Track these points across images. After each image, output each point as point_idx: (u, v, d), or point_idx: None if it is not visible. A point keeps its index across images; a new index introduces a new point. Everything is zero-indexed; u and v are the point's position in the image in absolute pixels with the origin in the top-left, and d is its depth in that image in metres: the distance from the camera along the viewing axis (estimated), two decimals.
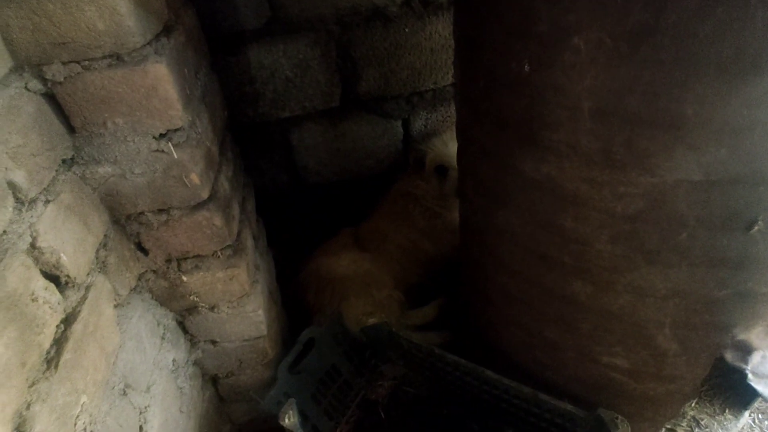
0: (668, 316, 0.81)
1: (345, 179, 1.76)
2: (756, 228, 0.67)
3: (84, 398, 0.66)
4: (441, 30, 1.54)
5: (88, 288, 0.72)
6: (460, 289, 1.32)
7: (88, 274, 0.72)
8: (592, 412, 0.96)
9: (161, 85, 0.69)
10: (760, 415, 1.21)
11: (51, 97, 0.68)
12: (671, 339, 0.84)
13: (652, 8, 0.57)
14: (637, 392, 0.96)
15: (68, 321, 0.67)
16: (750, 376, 0.81)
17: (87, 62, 0.66)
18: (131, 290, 0.85)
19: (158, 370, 0.89)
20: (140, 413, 0.81)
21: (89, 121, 0.71)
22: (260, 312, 1.02)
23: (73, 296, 0.69)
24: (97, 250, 0.76)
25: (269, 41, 1.43)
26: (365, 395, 1.32)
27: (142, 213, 0.82)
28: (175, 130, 0.75)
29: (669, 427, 1.06)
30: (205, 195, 0.82)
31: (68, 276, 0.68)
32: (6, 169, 0.59)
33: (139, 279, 0.88)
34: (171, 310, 0.96)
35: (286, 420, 0.98)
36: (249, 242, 1.01)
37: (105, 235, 0.79)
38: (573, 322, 0.92)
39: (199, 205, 0.83)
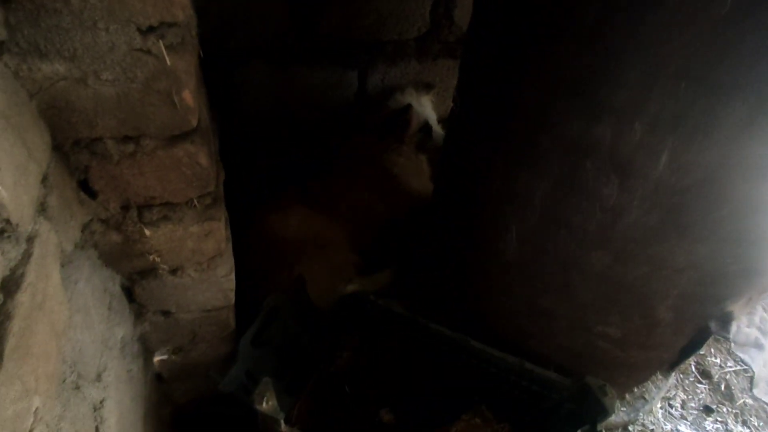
0: (677, 287, 0.83)
1: (290, 129, 1.56)
2: None
3: (37, 401, 0.45)
4: None
5: (32, 239, 0.49)
6: (430, 256, 1.24)
7: (32, 218, 0.49)
8: (578, 380, 0.97)
9: None
10: (681, 375, 1.36)
11: None
12: (669, 309, 0.87)
13: None
14: (619, 360, 0.99)
15: (9, 289, 0.44)
16: (732, 345, 0.88)
17: None
18: (75, 245, 0.62)
19: (108, 350, 0.67)
20: (95, 410, 0.60)
21: None
22: (232, 276, 0.84)
23: (14, 251, 0.46)
24: (39, 185, 0.53)
25: None
26: (326, 367, 1.20)
27: (99, 139, 0.59)
28: (171, 25, 0.53)
29: None
30: (194, 122, 0.61)
31: (7, 220, 0.45)
32: None
33: (83, 230, 0.65)
34: (118, 273, 0.74)
35: (264, 404, 0.83)
36: (222, 189, 0.81)
37: (47, 165, 0.55)
38: (576, 291, 0.90)
39: (183, 135, 0.62)
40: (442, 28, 1.53)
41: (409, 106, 1.42)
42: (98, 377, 0.63)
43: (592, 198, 0.79)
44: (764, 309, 1.00)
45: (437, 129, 1.42)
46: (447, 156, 1.10)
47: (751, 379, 1.13)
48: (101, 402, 0.61)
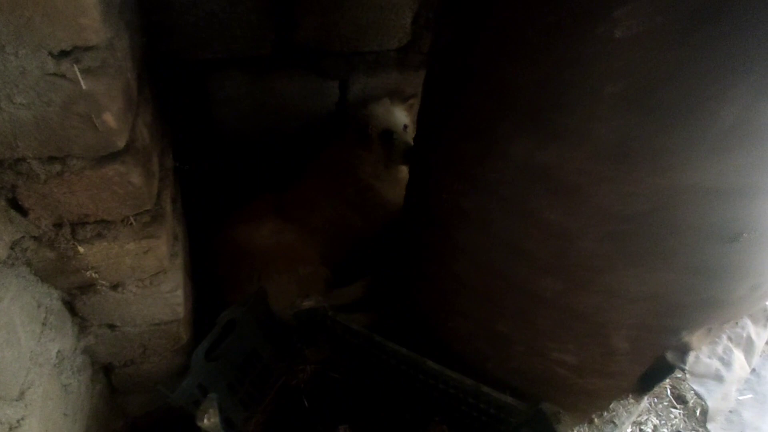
0: (631, 317, 0.81)
1: (268, 139, 1.56)
2: (741, 240, 0.67)
3: None
4: None
5: None
6: (397, 271, 1.23)
7: None
8: (533, 405, 0.95)
9: None
10: (655, 399, 1.33)
11: None
12: (625, 339, 0.85)
13: None
14: (577, 386, 0.97)
15: None
16: (688, 376, 0.86)
17: None
18: (1, 264, 0.62)
19: (37, 367, 0.68)
20: (10, 429, 0.60)
21: None
22: (179, 292, 0.83)
23: None
24: None
25: None
26: (285, 381, 1.19)
27: (22, 159, 0.59)
28: (87, 49, 0.53)
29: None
30: (121, 143, 0.61)
31: None
32: None
33: (12, 248, 0.65)
34: (57, 288, 0.74)
35: (206, 420, 0.83)
36: (169, 206, 0.81)
37: None
38: (531, 317, 0.88)
39: (112, 156, 0.62)
40: (423, 39, 1.51)
41: (365, 114, 1.41)
42: (21, 395, 0.63)
43: (542, 224, 0.78)
44: (729, 339, 0.98)
45: (406, 138, 1.40)
46: (411, 174, 1.09)
47: (705, 413, 1.11)
48: (19, 421, 0.61)
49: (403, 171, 1.56)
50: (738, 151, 0.59)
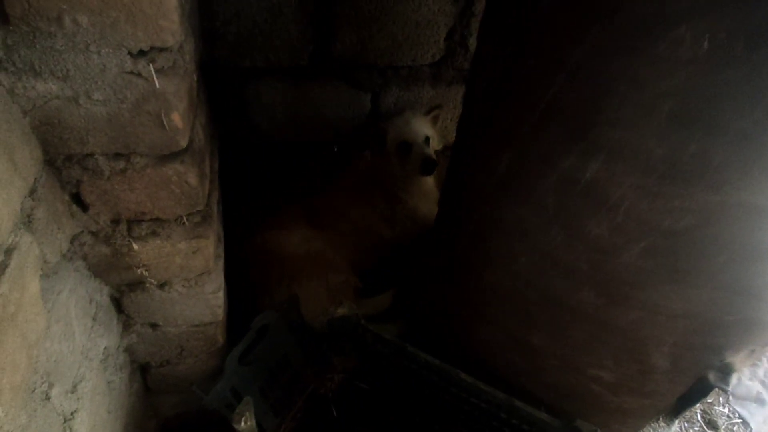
0: (672, 335, 0.80)
1: (301, 146, 1.58)
2: None
3: None
4: (430, 3, 1.42)
5: (10, 251, 0.50)
6: (427, 282, 1.23)
7: (11, 231, 0.51)
8: (568, 423, 0.93)
9: None
10: (686, 423, 1.29)
11: None
12: (665, 357, 0.83)
13: None
14: (611, 405, 0.95)
15: None
16: (731, 398, 0.84)
17: None
18: (62, 256, 0.64)
19: (87, 361, 0.68)
20: (65, 421, 0.61)
21: (35, 11, 0.49)
22: (220, 294, 0.84)
23: None
24: (24, 199, 0.54)
25: None
26: (314, 389, 1.19)
27: (90, 155, 0.61)
28: (162, 50, 0.55)
29: None
30: (183, 143, 0.63)
31: None
32: None
33: (71, 242, 0.66)
34: (107, 284, 0.75)
35: (243, 423, 0.82)
36: (216, 208, 0.82)
37: (35, 179, 0.57)
38: (567, 331, 0.88)
39: (173, 155, 0.64)
40: (456, 55, 1.53)
41: (383, 126, 1.41)
42: (74, 388, 0.64)
43: (584, 236, 0.77)
44: None
45: (426, 150, 1.40)
46: (446, 182, 1.09)
47: None
48: (72, 413, 0.62)
49: (429, 183, 1.56)
50: None
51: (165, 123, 0.59)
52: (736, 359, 0.84)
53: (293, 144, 1.57)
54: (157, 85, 0.56)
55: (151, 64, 0.55)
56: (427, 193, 1.53)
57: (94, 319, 0.71)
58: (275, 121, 1.50)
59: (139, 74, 0.55)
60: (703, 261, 0.71)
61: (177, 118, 0.60)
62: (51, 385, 0.59)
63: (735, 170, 0.63)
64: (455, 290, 1.08)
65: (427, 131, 1.44)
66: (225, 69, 1.34)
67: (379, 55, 1.47)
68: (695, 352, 0.83)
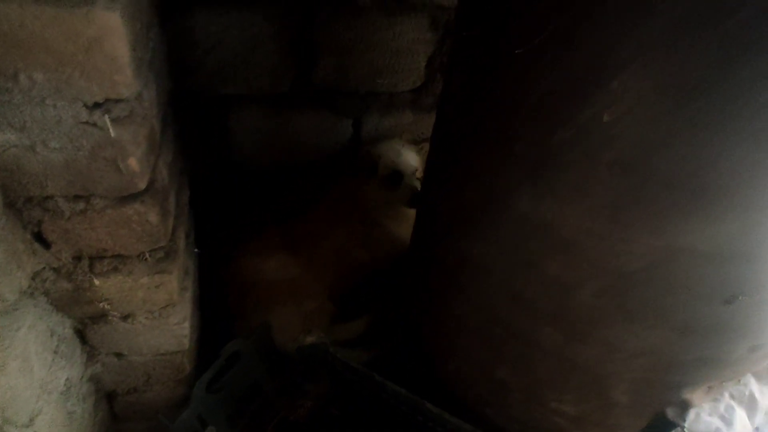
0: (631, 372, 0.81)
1: (282, 172, 1.61)
2: (736, 302, 0.68)
3: None
4: (409, 32, 1.45)
5: None
6: (401, 309, 1.25)
7: None
8: None
9: (109, 40, 0.52)
10: None
11: None
12: (625, 393, 0.85)
13: (717, 65, 0.53)
14: None
15: None
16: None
17: None
18: (22, 293, 0.65)
19: (46, 394, 0.70)
20: None
21: None
22: (186, 324, 0.86)
23: None
24: None
25: (220, 7, 1.24)
26: (285, 415, 1.20)
27: (50, 197, 0.63)
28: (117, 101, 0.57)
29: None
30: (142, 185, 0.65)
31: None
32: None
33: (33, 278, 0.68)
34: (70, 317, 0.77)
35: None
36: (182, 242, 0.84)
37: None
38: (531, 365, 0.89)
39: (132, 197, 0.66)
40: (436, 82, 1.57)
41: (375, 153, 1.44)
42: (30, 422, 0.66)
43: (541, 275, 0.79)
44: (732, 396, 0.97)
45: (414, 182, 1.42)
46: (417, 213, 1.12)
47: None
48: None
49: (411, 210, 1.58)
50: (730, 219, 0.61)
51: (122, 168, 0.61)
52: (694, 396, 0.86)
53: (275, 169, 1.59)
54: (113, 134, 0.58)
55: (106, 115, 0.57)
56: (406, 218, 1.55)
57: (55, 352, 0.73)
58: (257, 147, 1.53)
59: (94, 124, 0.57)
60: (652, 302, 0.73)
61: (133, 163, 0.62)
62: (6, 420, 0.60)
63: (675, 217, 0.65)
64: (428, 321, 1.10)
65: (415, 163, 1.46)
66: (206, 96, 1.37)
67: (360, 82, 1.50)
68: (653, 389, 0.85)
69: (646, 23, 0.56)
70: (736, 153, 0.57)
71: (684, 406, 0.86)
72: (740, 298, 0.67)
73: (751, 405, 0.98)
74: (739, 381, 0.95)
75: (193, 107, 1.36)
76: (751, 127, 0.55)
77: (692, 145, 0.59)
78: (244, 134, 1.48)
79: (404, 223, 1.55)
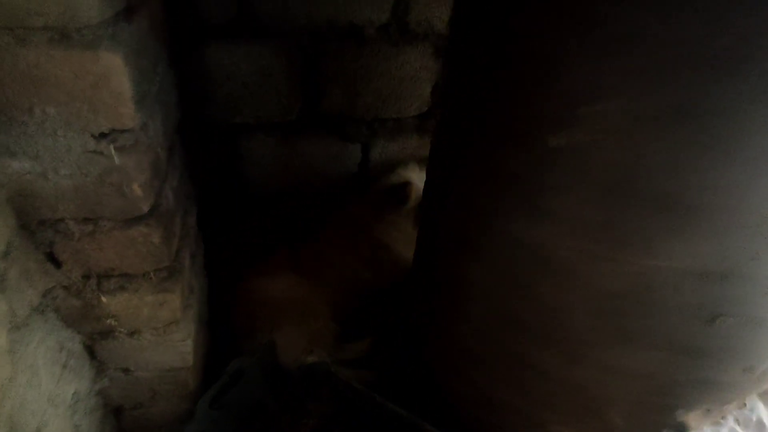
0: (629, 394, 0.81)
1: (292, 197, 1.66)
2: (719, 321, 0.68)
3: None
4: (413, 61, 1.51)
5: None
6: (405, 330, 1.26)
7: None
8: None
9: (114, 77, 0.57)
10: None
11: None
12: (623, 415, 0.84)
13: (701, 89, 0.55)
14: None
15: None
16: None
17: (22, 31, 0.53)
18: (33, 309, 0.70)
19: (53, 407, 0.74)
20: None
21: (11, 104, 0.57)
22: (189, 342, 0.90)
23: None
24: None
25: (231, 41, 1.31)
26: None
27: (61, 220, 0.69)
28: (122, 131, 0.63)
29: None
30: (145, 208, 0.70)
31: None
32: None
33: (44, 296, 0.73)
34: (79, 333, 0.81)
35: None
36: (187, 262, 0.88)
37: (8, 243, 0.64)
38: (530, 387, 0.89)
39: (137, 219, 0.71)
40: (440, 107, 1.61)
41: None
42: None
43: (536, 297, 0.80)
44: (737, 421, 0.95)
45: None
46: (418, 237, 1.14)
47: None
48: None
49: (410, 228, 1.61)
50: (721, 239, 0.62)
51: (126, 193, 0.66)
52: (689, 418, 0.84)
53: (284, 194, 1.64)
54: (117, 162, 0.63)
55: (112, 144, 0.62)
56: (410, 237, 1.57)
57: (64, 366, 0.77)
58: (267, 172, 1.58)
59: (101, 153, 0.62)
60: (648, 323, 0.73)
61: (137, 188, 0.67)
62: (13, 430, 0.64)
63: (665, 238, 0.65)
64: (429, 341, 1.11)
65: None
66: (218, 125, 1.44)
67: (367, 109, 1.56)
68: (650, 411, 0.84)
69: (627, 55, 0.58)
70: (716, 174, 0.59)
71: (681, 429, 0.84)
72: (722, 317, 0.67)
73: (759, 430, 0.96)
74: (745, 405, 0.93)
75: (206, 135, 1.43)
76: (732, 149, 0.57)
77: (679, 168, 0.61)
78: (254, 160, 1.54)
79: (411, 244, 1.57)
